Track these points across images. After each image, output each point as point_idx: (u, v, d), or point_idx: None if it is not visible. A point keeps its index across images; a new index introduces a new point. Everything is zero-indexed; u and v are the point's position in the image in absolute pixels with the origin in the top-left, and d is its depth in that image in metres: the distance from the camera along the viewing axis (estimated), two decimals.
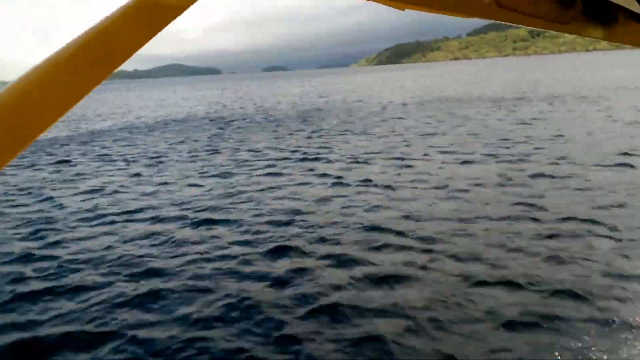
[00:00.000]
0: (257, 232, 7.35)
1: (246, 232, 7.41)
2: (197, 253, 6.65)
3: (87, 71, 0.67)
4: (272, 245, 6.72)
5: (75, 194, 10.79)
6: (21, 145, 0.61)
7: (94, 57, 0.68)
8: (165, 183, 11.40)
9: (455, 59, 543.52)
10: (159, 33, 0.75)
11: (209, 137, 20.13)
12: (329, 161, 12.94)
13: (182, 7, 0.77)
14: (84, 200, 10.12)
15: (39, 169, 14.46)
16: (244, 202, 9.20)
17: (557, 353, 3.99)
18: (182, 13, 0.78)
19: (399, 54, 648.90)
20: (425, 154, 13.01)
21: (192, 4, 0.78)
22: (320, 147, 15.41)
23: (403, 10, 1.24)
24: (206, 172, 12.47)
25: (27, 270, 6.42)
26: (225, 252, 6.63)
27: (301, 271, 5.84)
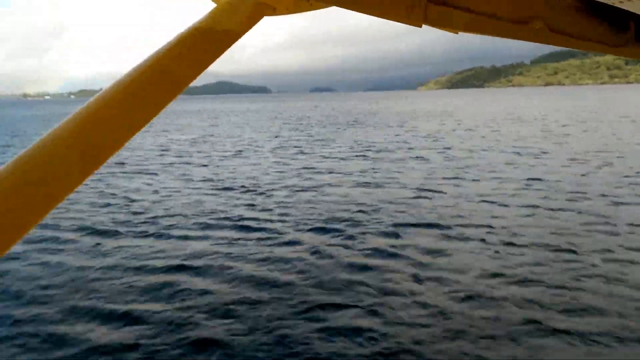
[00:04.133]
0: None
1: None
2: None
3: (153, 94, 0.67)
4: None
5: None
6: (103, 157, 0.67)
7: (158, 81, 0.67)
8: None
9: (547, 84, 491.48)
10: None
11: None
12: None
13: (239, 33, 0.77)
14: None
15: None
16: None
17: None
18: (239, 38, 0.78)
19: (478, 77, 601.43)
20: None
21: (248, 29, 0.79)
22: None
23: (457, 33, 1.38)
24: None
25: None
26: None
27: None
